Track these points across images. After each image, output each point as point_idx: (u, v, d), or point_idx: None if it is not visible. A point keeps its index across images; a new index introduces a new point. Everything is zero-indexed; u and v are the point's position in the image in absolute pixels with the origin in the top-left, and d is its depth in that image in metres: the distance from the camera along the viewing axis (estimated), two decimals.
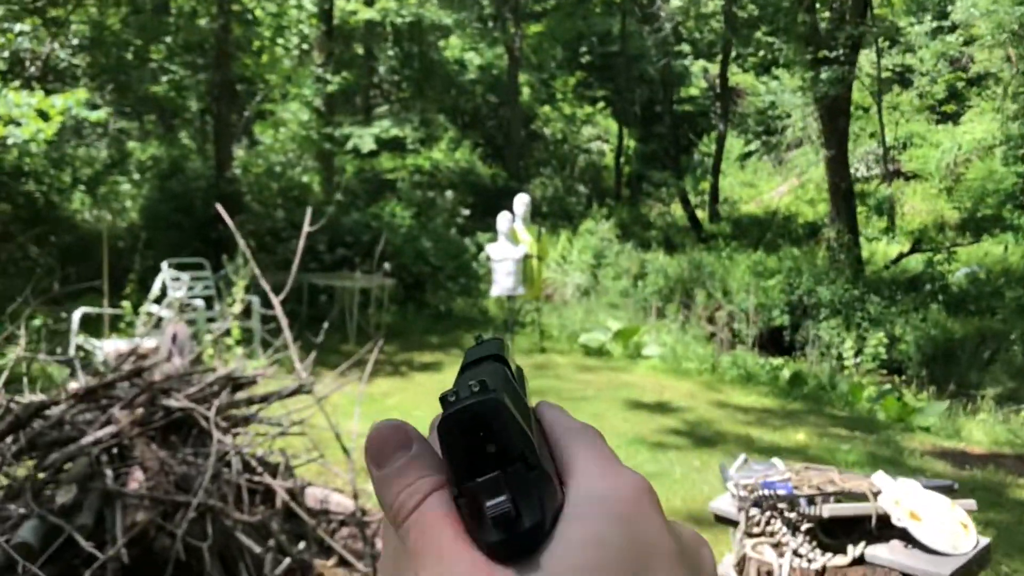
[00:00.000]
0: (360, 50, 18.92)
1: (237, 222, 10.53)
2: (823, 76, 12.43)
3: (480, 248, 12.68)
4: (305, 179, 11.35)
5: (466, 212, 13.11)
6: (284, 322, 4.18)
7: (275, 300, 4.15)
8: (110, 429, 3.18)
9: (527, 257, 8.73)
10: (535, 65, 25.25)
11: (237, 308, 7.18)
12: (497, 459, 0.35)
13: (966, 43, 23.59)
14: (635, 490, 0.36)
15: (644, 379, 8.26)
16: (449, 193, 13.16)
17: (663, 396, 7.58)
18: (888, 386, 8.66)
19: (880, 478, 2.88)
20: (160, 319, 7.59)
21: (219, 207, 4.65)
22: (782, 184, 26.83)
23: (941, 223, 22.71)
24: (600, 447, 0.39)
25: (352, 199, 11.28)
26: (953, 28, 23.43)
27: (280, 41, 10.66)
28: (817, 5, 13.51)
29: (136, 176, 11.32)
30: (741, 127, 27.64)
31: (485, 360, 0.41)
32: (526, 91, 24.14)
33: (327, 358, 8.78)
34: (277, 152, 11.24)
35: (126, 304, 7.39)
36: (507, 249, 8.62)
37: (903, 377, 11.49)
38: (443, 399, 0.35)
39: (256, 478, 3.41)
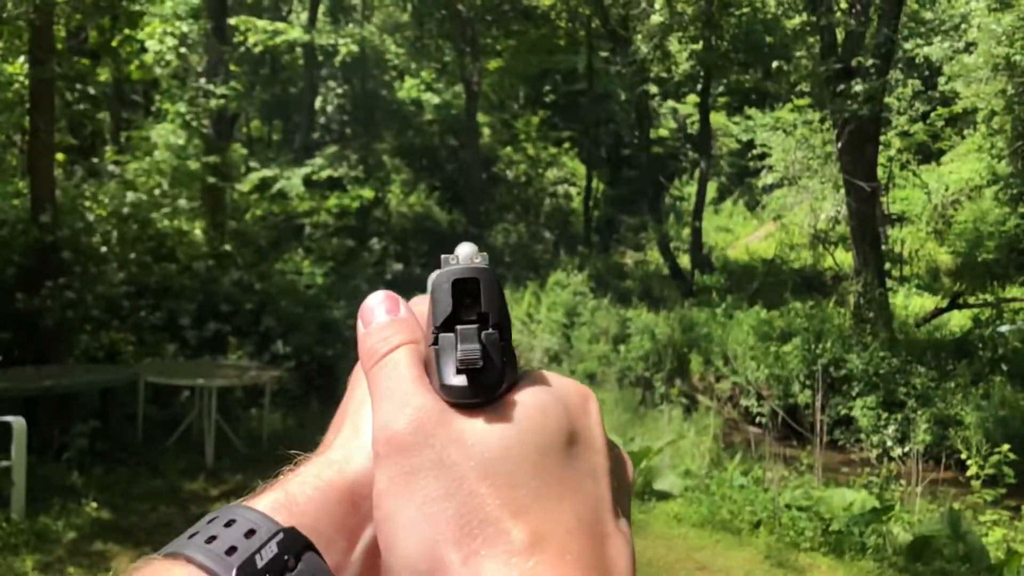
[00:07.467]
0: (298, 85, 15.69)
1: (54, 288, 7.04)
2: (856, 89, 9.22)
3: None
4: (184, 226, 7.87)
5: (398, 266, 9.63)
6: None
7: None
8: None
9: None
10: (496, 104, 22.27)
11: None
12: (478, 320, 0.36)
13: (948, 79, 21.02)
14: (581, 390, 0.38)
15: (667, 545, 4.73)
16: (375, 241, 9.66)
17: None
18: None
19: None
20: None
21: None
22: (759, 229, 24.19)
23: (935, 269, 19.94)
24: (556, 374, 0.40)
25: (240, 251, 7.80)
26: (930, 69, 20.99)
27: (143, 34, 7.32)
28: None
29: None
30: (713, 170, 24.89)
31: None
32: (486, 132, 21.08)
33: (154, 510, 5.18)
34: (140, 188, 7.72)
35: None
36: None
37: (958, 470, 8.19)
38: (444, 258, 0.38)
39: None
